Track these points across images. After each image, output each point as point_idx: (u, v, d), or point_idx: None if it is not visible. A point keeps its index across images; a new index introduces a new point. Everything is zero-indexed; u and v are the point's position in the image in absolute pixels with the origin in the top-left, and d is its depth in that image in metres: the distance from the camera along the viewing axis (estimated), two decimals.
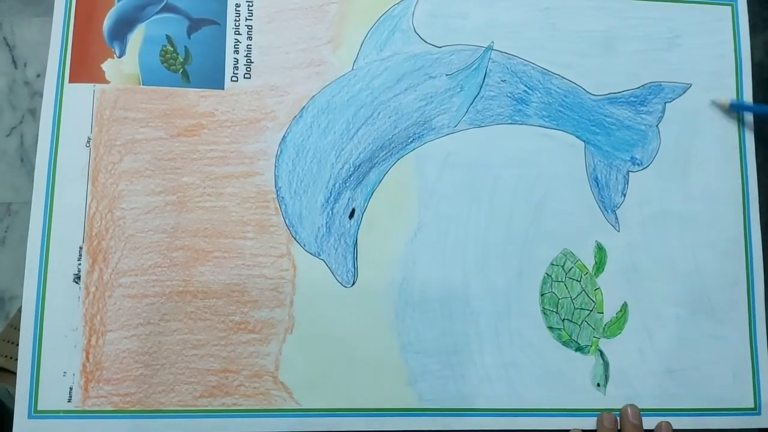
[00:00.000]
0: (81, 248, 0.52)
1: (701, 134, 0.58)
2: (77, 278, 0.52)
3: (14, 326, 0.78)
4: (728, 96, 0.58)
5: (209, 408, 0.51)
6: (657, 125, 0.58)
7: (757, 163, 0.58)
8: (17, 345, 0.75)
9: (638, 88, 0.58)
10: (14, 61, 1.04)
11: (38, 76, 1.03)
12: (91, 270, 0.52)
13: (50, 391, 0.50)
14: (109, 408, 0.51)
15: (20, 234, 1.01)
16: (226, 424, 0.51)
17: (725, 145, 0.58)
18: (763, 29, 0.60)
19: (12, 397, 0.72)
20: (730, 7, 0.59)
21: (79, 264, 0.52)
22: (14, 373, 0.73)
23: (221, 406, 0.52)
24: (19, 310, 0.80)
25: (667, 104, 0.58)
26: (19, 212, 1.02)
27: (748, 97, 0.59)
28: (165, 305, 0.52)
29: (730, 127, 0.58)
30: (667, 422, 0.54)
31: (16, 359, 0.74)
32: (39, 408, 0.50)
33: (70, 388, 0.51)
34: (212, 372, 0.52)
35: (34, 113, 1.02)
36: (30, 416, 0.50)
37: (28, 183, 1.02)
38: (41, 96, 0.99)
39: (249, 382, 0.52)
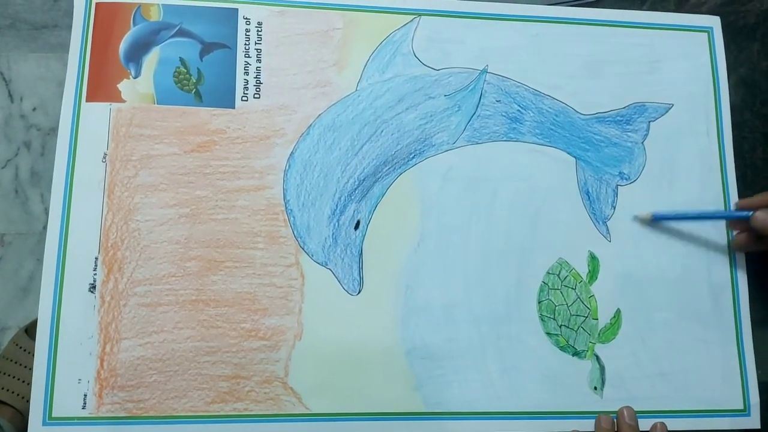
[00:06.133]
0: (97, 259, 0.54)
1: (684, 150, 0.62)
2: (93, 288, 0.53)
3: (6, 357, 0.79)
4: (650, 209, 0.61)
5: (221, 413, 0.53)
6: (642, 142, 0.62)
7: (736, 176, 0.61)
8: (9, 376, 0.76)
9: (624, 108, 0.62)
10: (10, 95, 1.06)
11: (34, 109, 1.05)
12: (106, 280, 0.53)
13: (65, 398, 0.52)
14: (122, 414, 0.52)
15: (14, 265, 1.02)
16: (237, 429, 0.53)
17: (706, 160, 0.62)
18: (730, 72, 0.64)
19: (2, 429, 0.72)
20: (706, 34, 0.64)
21: (95, 274, 0.53)
22: (6, 404, 0.74)
23: (233, 412, 0.53)
24: (10, 342, 0.81)
25: (651, 123, 0.62)
26: (12, 243, 1.03)
27: (727, 119, 0.63)
28: (178, 313, 0.54)
29: (711, 143, 0.62)
30: (662, 423, 0.56)
31: (7, 390, 0.74)
32: (54, 415, 0.51)
33: (85, 395, 0.52)
34: (224, 378, 0.53)
35: (30, 146, 1.04)
36: (45, 423, 0.51)
37: (23, 214, 1.03)
38: (37, 129, 1.01)
39: (259, 387, 0.53)
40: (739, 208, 0.60)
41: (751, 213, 0.56)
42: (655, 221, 0.60)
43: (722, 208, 0.61)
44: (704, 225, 0.60)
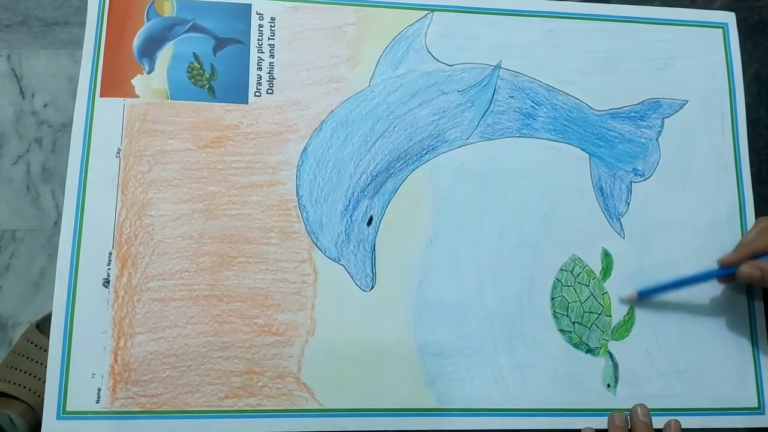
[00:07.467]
0: (111, 254, 0.54)
1: (699, 147, 0.61)
2: (107, 282, 0.53)
3: (18, 352, 0.79)
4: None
5: (234, 408, 0.53)
6: (657, 139, 0.61)
7: (751, 173, 0.61)
8: (20, 371, 0.76)
9: (638, 104, 0.62)
10: (22, 92, 1.06)
11: (45, 106, 1.06)
12: (120, 274, 0.53)
13: (79, 392, 0.52)
14: (136, 409, 0.52)
15: (25, 261, 1.02)
16: (250, 425, 0.53)
17: (721, 157, 0.61)
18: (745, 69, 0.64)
19: (13, 424, 0.72)
20: (721, 30, 0.63)
21: (109, 269, 0.54)
22: (17, 399, 0.74)
23: (245, 407, 0.53)
24: (22, 337, 0.81)
25: (665, 119, 0.62)
26: (24, 239, 1.04)
27: (742, 116, 0.62)
28: (191, 309, 0.54)
29: (726, 140, 0.62)
30: (676, 420, 0.55)
31: (19, 385, 0.75)
32: (68, 409, 0.51)
33: (99, 390, 0.52)
34: (237, 373, 0.53)
35: (41, 142, 1.04)
36: (59, 417, 0.51)
37: (33, 210, 1.03)
38: (48, 125, 1.01)
39: (272, 383, 0.54)
40: (721, 265, 0.58)
41: (734, 270, 0.55)
42: (641, 299, 0.58)
43: (737, 207, 0.60)
44: (717, 223, 0.60)
